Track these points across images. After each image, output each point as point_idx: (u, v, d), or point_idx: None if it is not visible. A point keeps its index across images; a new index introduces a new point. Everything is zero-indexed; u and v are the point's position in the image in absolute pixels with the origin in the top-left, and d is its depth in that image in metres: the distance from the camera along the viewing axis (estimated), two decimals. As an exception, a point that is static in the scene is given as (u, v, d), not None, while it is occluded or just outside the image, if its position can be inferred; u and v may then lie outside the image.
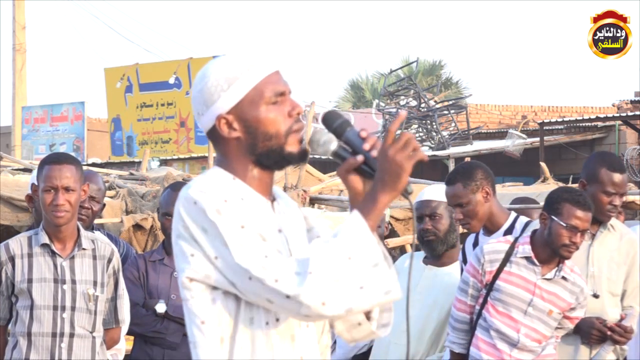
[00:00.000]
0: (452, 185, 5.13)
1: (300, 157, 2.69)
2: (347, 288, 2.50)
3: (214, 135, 2.70)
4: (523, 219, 5.20)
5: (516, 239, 4.94)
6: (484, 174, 5.15)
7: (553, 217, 4.81)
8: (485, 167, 5.23)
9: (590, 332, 5.07)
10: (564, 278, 4.89)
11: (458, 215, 5.11)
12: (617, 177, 5.12)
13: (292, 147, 2.68)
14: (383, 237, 5.86)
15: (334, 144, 2.65)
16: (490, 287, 4.90)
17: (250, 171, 2.68)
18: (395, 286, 2.61)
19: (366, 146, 2.62)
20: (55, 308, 4.51)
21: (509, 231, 5.13)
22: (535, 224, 5.07)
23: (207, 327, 2.61)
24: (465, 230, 5.48)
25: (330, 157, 2.68)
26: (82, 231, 4.61)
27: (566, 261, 4.89)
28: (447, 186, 5.15)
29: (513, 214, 5.24)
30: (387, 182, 2.57)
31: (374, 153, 2.61)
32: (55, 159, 4.56)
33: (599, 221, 5.20)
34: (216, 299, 2.61)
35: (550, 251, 4.85)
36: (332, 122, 2.65)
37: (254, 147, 2.66)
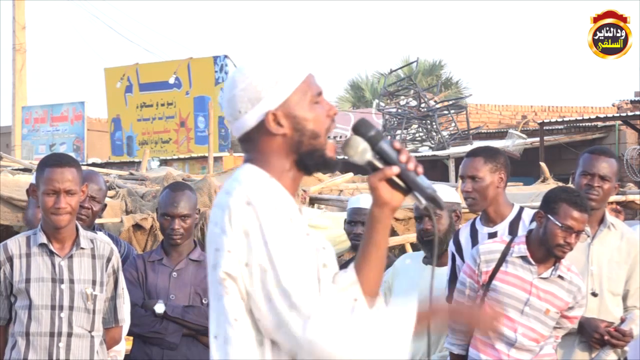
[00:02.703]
0: (473, 157, 5.16)
1: (337, 165, 2.76)
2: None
3: (254, 133, 2.73)
4: (530, 211, 5.20)
5: (512, 239, 4.95)
6: (506, 162, 5.19)
7: (549, 216, 4.82)
8: (508, 158, 5.26)
9: (592, 334, 5.07)
10: (560, 277, 4.89)
11: (467, 187, 5.10)
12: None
13: (331, 153, 2.74)
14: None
15: (369, 153, 2.70)
16: (486, 287, 4.90)
17: (287, 171, 2.72)
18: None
19: (402, 158, 2.68)
20: (53, 308, 4.50)
21: (514, 222, 5.15)
22: None
23: (240, 325, 2.63)
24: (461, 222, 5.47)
25: (361, 164, 2.73)
26: (81, 231, 4.61)
27: (563, 260, 4.90)
28: (468, 157, 5.17)
29: (517, 206, 5.25)
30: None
31: (410, 166, 2.68)
32: (56, 162, 4.54)
33: (600, 220, 5.22)
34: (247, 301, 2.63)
35: (545, 250, 4.85)
36: (367, 131, 2.70)
37: (300, 144, 2.71)
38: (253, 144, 2.73)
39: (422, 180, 2.70)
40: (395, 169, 2.67)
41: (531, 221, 5.10)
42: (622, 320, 5.11)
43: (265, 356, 2.63)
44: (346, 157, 2.75)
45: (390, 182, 2.69)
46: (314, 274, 2.60)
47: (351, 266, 2.77)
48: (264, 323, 2.59)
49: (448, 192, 5.70)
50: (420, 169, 2.70)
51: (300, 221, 2.68)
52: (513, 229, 5.14)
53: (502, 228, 5.15)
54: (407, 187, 2.69)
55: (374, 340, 2.55)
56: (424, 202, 2.70)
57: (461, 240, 5.27)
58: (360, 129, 2.71)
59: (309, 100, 2.72)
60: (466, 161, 5.18)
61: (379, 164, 2.70)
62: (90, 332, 4.55)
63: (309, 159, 2.72)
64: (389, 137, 22.24)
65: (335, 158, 2.75)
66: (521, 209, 5.22)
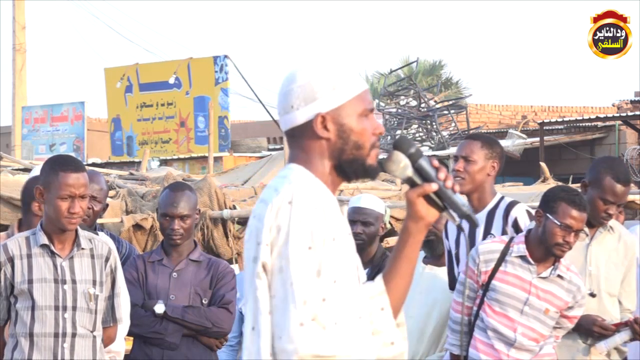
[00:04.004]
0: (471, 139, 5.22)
1: (376, 172, 2.85)
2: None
3: (301, 130, 2.81)
4: (507, 199, 5.23)
5: (511, 239, 4.96)
6: (502, 154, 5.25)
7: (548, 215, 4.83)
8: (504, 151, 5.32)
9: (591, 328, 5.09)
10: (560, 276, 4.90)
11: (459, 166, 5.15)
12: (620, 188, 5.14)
13: (372, 161, 2.82)
14: (379, 237, 5.87)
15: (410, 169, 2.80)
16: (486, 287, 4.91)
17: (327, 174, 2.80)
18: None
19: (441, 176, 2.78)
20: (56, 308, 4.51)
21: (492, 211, 5.17)
22: (522, 206, 5.13)
23: (271, 317, 2.68)
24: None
25: (401, 179, 2.84)
26: (80, 231, 4.62)
27: (562, 260, 4.90)
28: (467, 139, 5.24)
29: (499, 195, 5.28)
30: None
31: (448, 184, 2.78)
32: (72, 167, 4.53)
33: (593, 224, 5.23)
34: None
35: (544, 249, 4.86)
36: (408, 148, 2.80)
37: (342, 152, 2.79)
38: (297, 141, 2.82)
39: (459, 198, 2.81)
40: (434, 186, 2.78)
41: (506, 209, 5.12)
42: None
43: None
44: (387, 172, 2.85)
45: (427, 198, 2.79)
46: (338, 279, 2.66)
47: (379, 277, 2.83)
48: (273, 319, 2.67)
49: None
50: (457, 188, 2.80)
51: (343, 221, 2.76)
52: (490, 218, 5.16)
53: (481, 217, 5.18)
54: (443, 204, 2.80)
55: None
56: (458, 219, 2.80)
57: (448, 227, 5.33)
58: (401, 146, 2.81)
59: (359, 113, 2.80)
60: (463, 142, 5.25)
61: (418, 180, 2.80)
62: (92, 332, 4.57)
63: (349, 167, 2.80)
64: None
65: (375, 165, 2.84)
66: (501, 198, 5.25)
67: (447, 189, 2.78)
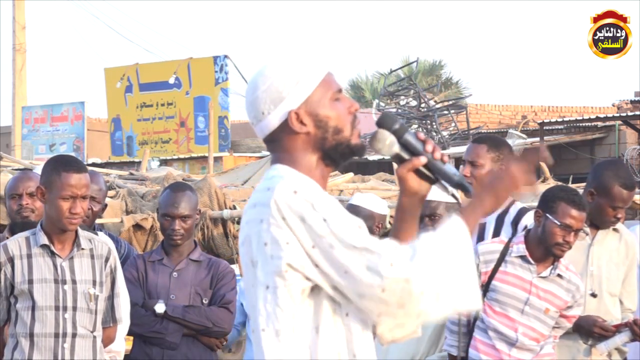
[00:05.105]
0: (478, 143, 5.17)
1: (363, 149, 2.82)
2: (450, 288, 2.61)
3: (279, 133, 2.78)
4: (518, 204, 5.20)
5: (510, 239, 4.96)
6: (510, 153, 5.18)
7: (547, 215, 4.83)
8: (512, 150, 5.27)
9: (591, 329, 5.10)
10: (559, 276, 4.91)
11: (466, 171, 5.11)
12: (628, 194, 5.17)
13: (356, 140, 2.80)
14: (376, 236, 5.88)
15: (396, 145, 2.77)
16: (486, 287, 4.91)
17: (315, 168, 2.78)
18: (478, 296, 2.71)
19: (429, 148, 2.76)
20: (57, 309, 4.51)
21: (501, 216, 5.14)
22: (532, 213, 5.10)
23: (298, 317, 2.66)
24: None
25: (388, 156, 2.80)
26: (80, 231, 4.62)
27: (561, 259, 4.91)
28: (473, 143, 5.18)
29: (509, 198, 5.25)
30: (498, 190, 2.79)
31: (437, 155, 2.76)
32: (74, 167, 4.53)
33: (599, 227, 5.24)
34: (307, 290, 2.66)
35: (544, 249, 4.86)
36: (392, 124, 2.78)
37: (324, 141, 2.77)
38: (278, 144, 2.79)
39: (449, 168, 2.78)
40: (423, 159, 2.75)
41: (516, 216, 5.10)
42: None
43: (319, 345, 2.66)
44: (373, 151, 2.80)
45: (417, 172, 2.77)
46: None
47: None
48: (350, 296, 2.63)
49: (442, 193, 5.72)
50: (445, 158, 2.76)
51: None
52: (499, 223, 5.15)
53: (490, 221, 5.16)
54: (434, 176, 2.77)
55: (450, 257, 2.61)
56: (450, 189, 2.78)
57: None
58: (385, 122, 2.78)
59: (329, 98, 2.78)
60: (470, 146, 5.21)
61: (406, 156, 2.77)
62: (92, 332, 4.57)
63: (334, 152, 2.78)
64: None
65: (360, 143, 2.80)
66: (512, 202, 5.22)
67: (436, 160, 2.76)
